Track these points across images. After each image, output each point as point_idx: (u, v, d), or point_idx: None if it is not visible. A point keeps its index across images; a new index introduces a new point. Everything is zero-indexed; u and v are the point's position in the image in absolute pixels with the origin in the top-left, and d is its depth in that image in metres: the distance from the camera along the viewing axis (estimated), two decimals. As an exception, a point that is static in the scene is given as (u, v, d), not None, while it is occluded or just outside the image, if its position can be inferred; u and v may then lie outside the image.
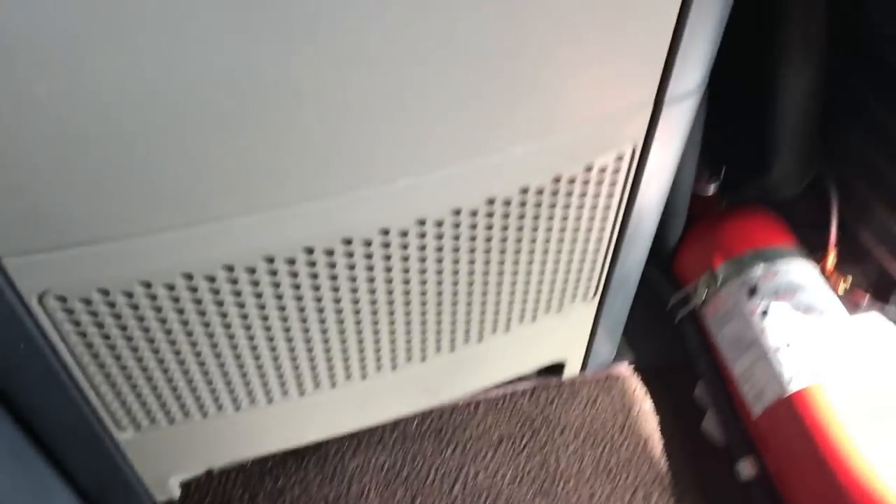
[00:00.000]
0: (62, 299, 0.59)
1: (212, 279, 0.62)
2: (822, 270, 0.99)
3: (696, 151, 0.89)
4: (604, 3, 0.55)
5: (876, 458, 0.77)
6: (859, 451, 0.78)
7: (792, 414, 0.82)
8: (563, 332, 0.87)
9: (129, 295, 0.61)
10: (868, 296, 1.02)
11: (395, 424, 0.90)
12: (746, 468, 0.87)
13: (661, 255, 0.99)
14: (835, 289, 0.97)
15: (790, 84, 0.89)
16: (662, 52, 0.62)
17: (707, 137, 0.91)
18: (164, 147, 0.51)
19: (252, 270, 0.62)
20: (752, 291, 0.89)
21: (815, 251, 1.00)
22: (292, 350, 0.71)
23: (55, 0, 0.42)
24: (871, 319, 1.02)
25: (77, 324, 0.62)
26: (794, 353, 0.83)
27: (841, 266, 1.03)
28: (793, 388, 0.82)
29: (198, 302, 0.63)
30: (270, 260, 0.62)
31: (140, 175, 0.52)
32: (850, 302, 1.02)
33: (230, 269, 0.61)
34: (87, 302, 0.60)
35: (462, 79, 0.55)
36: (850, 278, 1.01)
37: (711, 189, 0.99)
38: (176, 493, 0.86)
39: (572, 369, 0.94)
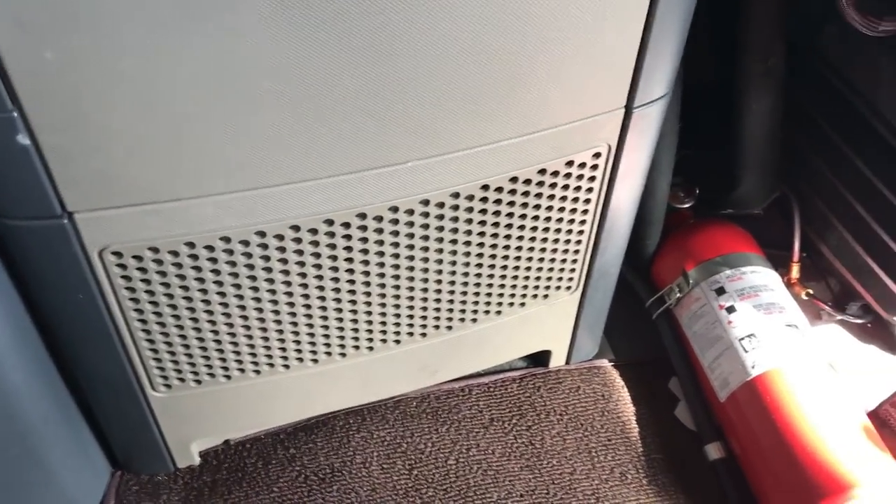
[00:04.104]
0: (118, 254, 0.70)
1: (245, 243, 0.72)
2: (787, 282, 1.09)
3: (670, 166, 1.00)
4: (580, 24, 0.67)
5: (830, 435, 0.86)
6: (816, 429, 0.86)
7: (754, 397, 0.91)
8: (549, 321, 0.97)
9: (175, 254, 0.71)
10: (828, 307, 1.12)
11: (396, 405, 0.99)
12: (714, 451, 0.96)
13: (640, 261, 1.09)
14: (797, 297, 1.07)
15: (753, 110, 1.01)
16: (630, 66, 0.73)
17: (682, 156, 1.02)
18: (215, 126, 0.62)
19: (280, 237, 0.73)
20: (720, 291, 0.99)
21: (779, 268, 1.10)
22: (309, 317, 0.81)
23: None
24: (830, 330, 1.12)
25: (128, 279, 0.72)
26: (757, 342, 0.93)
27: (803, 282, 1.14)
28: (755, 372, 0.91)
29: (232, 264, 0.73)
30: (296, 228, 0.73)
31: (194, 146, 0.63)
32: (811, 312, 1.12)
33: (261, 234, 0.72)
34: (139, 259, 0.71)
35: (466, 78, 0.66)
36: (810, 291, 1.12)
37: (686, 204, 1.10)
38: (196, 460, 0.95)
39: (558, 360, 1.04)
